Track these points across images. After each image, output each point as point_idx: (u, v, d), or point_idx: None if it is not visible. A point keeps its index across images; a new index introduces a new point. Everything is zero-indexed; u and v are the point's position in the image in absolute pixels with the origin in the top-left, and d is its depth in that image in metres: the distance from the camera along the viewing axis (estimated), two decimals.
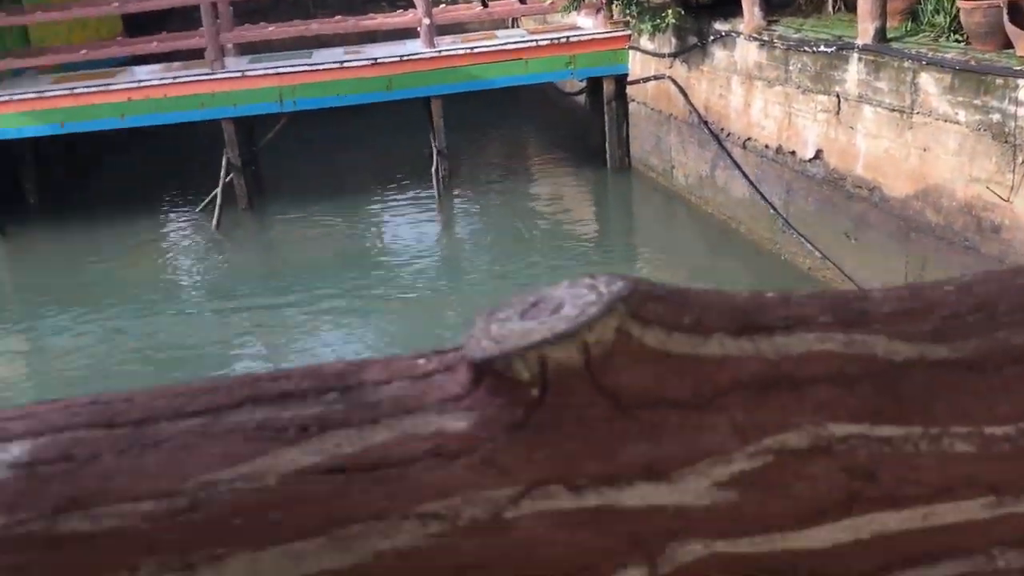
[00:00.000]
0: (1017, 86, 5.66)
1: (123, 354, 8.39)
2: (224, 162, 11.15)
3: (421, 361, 0.50)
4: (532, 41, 11.60)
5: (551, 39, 11.56)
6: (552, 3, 11.38)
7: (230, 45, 11.89)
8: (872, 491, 0.45)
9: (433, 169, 11.68)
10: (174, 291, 10.11)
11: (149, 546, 0.41)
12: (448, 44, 11.59)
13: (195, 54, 11.40)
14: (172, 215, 12.21)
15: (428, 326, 8.50)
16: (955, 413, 0.46)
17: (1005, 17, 5.90)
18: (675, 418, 0.45)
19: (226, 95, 10.98)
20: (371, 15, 12.68)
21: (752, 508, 0.44)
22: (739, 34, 9.15)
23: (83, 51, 11.75)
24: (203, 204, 11.46)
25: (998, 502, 0.47)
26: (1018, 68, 5.68)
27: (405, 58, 11.25)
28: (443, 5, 13.18)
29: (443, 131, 11.53)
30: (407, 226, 11.40)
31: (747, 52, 9.07)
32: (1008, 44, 5.97)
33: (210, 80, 11.00)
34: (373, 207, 12.12)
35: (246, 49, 12.48)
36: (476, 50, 11.41)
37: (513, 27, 14.43)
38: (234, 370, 7.63)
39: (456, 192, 12.01)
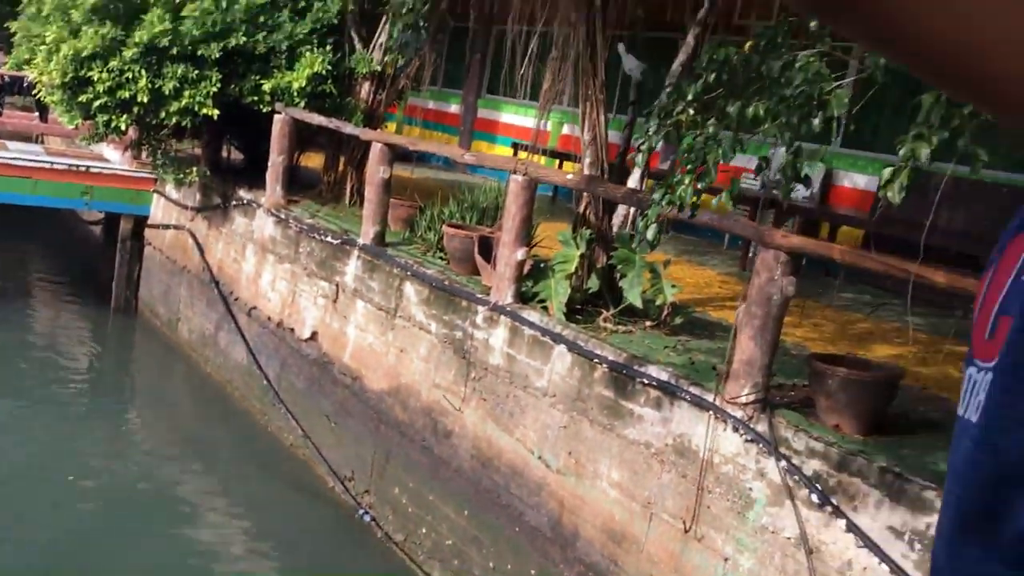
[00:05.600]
0: (476, 311, 6.37)
1: None
2: None
3: None
4: (47, 162, 10.83)
5: (70, 165, 10.88)
6: (76, 127, 10.71)
7: None
8: None
9: None
10: None
11: None
12: None
13: None
14: None
15: None
16: None
17: (475, 249, 6.68)
18: None
19: None
20: None
21: None
22: (260, 205, 9.34)
23: None
24: None
25: None
26: (480, 295, 6.41)
27: None
28: None
29: None
30: None
31: (264, 224, 9.27)
32: (478, 271, 6.75)
33: None
34: None
35: None
36: None
37: (37, 142, 13.40)
38: None
39: None
